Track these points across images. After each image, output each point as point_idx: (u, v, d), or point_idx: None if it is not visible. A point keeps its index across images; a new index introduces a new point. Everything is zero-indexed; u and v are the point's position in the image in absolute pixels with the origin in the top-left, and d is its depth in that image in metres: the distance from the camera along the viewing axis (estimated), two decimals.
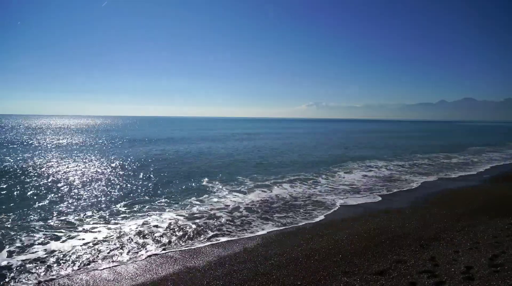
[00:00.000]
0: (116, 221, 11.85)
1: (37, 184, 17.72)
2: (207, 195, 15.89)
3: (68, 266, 8.33)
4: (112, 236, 10.35)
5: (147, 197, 15.43)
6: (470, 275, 6.91)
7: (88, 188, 17.03)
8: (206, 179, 19.84)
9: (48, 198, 14.89)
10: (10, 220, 11.71)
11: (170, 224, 11.59)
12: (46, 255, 8.92)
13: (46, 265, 8.34)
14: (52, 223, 11.44)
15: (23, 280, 7.59)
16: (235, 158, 30.47)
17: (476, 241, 9.14)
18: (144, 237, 10.34)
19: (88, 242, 9.82)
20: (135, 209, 13.46)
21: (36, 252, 9.10)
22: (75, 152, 33.93)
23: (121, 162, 26.48)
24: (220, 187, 17.78)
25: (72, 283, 7.49)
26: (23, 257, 8.81)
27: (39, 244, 9.66)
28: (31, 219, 11.87)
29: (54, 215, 12.43)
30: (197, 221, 12.01)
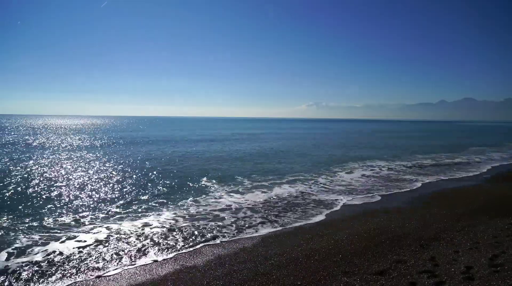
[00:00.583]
0: (116, 222, 11.84)
1: (37, 184, 17.70)
2: (205, 196, 15.88)
3: (67, 267, 8.32)
4: (111, 237, 10.33)
5: (145, 198, 15.42)
6: (470, 275, 6.91)
7: (87, 189, 17.03)
8: (205, 179, 19.84)
9: (47, 198, 14.89)
10: (8, 221, 11.71)
11: (169, 224, 11.59)
12: (45, 258, 8.85)
13: (45, 267, 8.33)
14: (51, 225, 11.40)
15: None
16: (234, 158, 30.47)
17: (476, 241, 9.14)
18: (143, 237, 10.33)
19: (88, 244, 9.77)
20: (134, 210, 13.45)
21: (35, 254, 8.98)
22: (75, 152, 33.92)
23: (121, 162, 26.47)
24: (220, 187, 17.77)
25: (72, 285, 7.49)
26: (21, 260, 8.69)
27: (37, 245, 9.58)
28: (30, 220, 11.85)
29: (53, 216, 12.42)
30: (197, 221, 12.00)
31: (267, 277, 7.46)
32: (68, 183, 18.23)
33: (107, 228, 11.12)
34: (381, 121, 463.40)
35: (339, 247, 9.13)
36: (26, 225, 11.27)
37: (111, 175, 20.99)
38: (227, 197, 15.72)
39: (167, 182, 19.00)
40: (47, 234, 10.44)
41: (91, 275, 7.85)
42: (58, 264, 8.44)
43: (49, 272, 7.98)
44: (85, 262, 8.57)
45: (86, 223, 11.67)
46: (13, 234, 10.42)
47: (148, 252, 9.25)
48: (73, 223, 11.63)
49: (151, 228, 11.14)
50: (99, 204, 14.09)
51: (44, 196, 15.15)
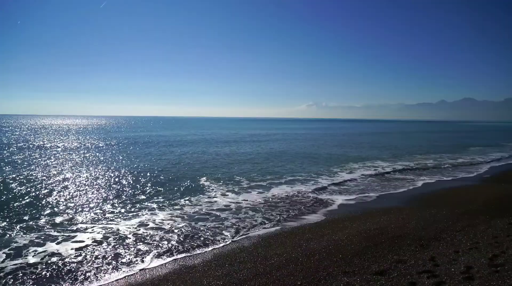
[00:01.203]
0: (116, 222, 11.84)
1: (36, 184, 17.71)
2: (204, 196, 15.87)
3: (67, 268, 8.31)
4: (109, 237, 10.33)
5: (144, 198, 15.42)
6: (470, 275, 6.90)
7: (87, 189, 17.02)
8: (204, 178, 19.84)
9: (47, 198, 14.88)
10: (5, 221, 11.71)
11: (168, 224, 11.59)
12: (43, 259, 8.76)
13: (41, 269, 8.32)
14: (49, 226, 11.37)
15: None
16: (234, 158, 30.46)
17: (476, 241, 9.13)
18: (142, 238, 10.33)
19: (86, 244, 9.75)
20: (132, 210, 13.45)
21: (32, 256, 8.87)
22: (75, 152, 33.92)
23: (121, 162, 26.47)
24: (219, 187, 17.76)
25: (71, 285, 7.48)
26: (17, 261, 8.57)
27: (35, 246, 9.52)
28: (26, 220, 11.86)
29: (52, 217, 12.41)
30: (196, 221, 12.00)
31: (267, 277, 7.45)
32: (66, 183, 18.22)
33: (106, 228, 11.11)
34: (381, 121, 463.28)
35: (339, 247, 9.12)
36: (23, 225, 11.25)
37: (112, 175, 20.98)
38: (226, 197, 15.71)
39: (167, 182, 18.99)
40: (45, 235, 10.41)
41: (90, 275, 7.85)
42: (55, 266, 8.35)
43: (46, 274, 7.95)
44: (82, 263, 8.52)
45: (84, 223, 11.65)
46: (8, 234, 10.38)
47: (147, 252, 9.25)
48: (70, 223, 11.60)
49: (149, 229, 11.14)
50: (98, 205, 14.08)
51: (41, 197, 15.14)
